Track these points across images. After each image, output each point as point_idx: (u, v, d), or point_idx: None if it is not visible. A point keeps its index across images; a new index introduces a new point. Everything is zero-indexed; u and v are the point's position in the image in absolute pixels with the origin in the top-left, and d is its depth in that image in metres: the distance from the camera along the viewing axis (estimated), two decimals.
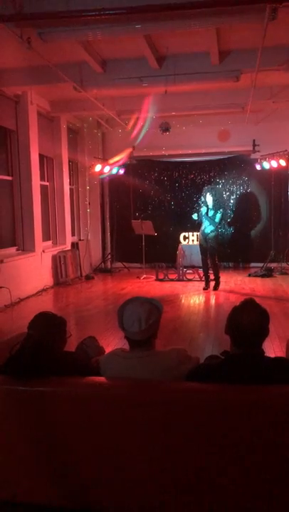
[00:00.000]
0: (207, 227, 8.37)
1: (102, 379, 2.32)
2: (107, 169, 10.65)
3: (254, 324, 2.24)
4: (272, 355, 2.45)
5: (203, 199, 8.81)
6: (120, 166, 10.96)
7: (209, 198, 8.39)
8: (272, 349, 4.73)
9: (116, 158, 10.81)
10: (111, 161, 10.80)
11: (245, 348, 2.25)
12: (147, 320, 2.28)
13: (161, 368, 2.30)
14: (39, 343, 2.29)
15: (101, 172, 10.63)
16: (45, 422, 2.30)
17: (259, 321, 2.25)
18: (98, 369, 2.44)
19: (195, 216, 8.58)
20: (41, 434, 2.33)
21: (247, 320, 2.24)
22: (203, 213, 8.37)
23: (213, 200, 8.41)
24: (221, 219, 8.77)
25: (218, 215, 8.45)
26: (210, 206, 8.35)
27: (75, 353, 2.77)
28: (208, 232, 8.36)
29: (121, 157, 10.79)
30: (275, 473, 2.11)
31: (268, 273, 10.07)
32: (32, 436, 2.34)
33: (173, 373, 2.29)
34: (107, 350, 3.33)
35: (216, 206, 8.43)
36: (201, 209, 8.59)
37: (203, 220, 8.40)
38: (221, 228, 9.11)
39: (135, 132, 10.51)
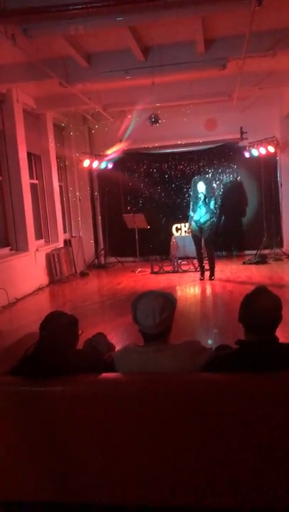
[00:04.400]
0: (202, 217, 8.35)
1: (118, 375, 2.31)
2: (95, 164, 10.63)
3: (268, 311, 2.23)
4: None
5: (193, 189, 8.79)
6: (112, 160, 10.92)
7: (202, 187, 8.38)
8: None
9: (110, 151, 10.77)
10: (109, 151, 10.74)
11: (260, 335, 2.25)
12: (161, 313, 2.26)
13: (176, 360, 2.29)
14: (53, 343, 2.27)
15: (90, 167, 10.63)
16: (62, 421, 2.28)
17: (272, 307, 2.25)
18: (112, 365, 2.43)
19: (192, 213, 8.55)
20: (57, 433, 2.31)
21: (261, 307, 2.23)
22: (201, 201, 8.34)
23: (206, 189, 8.41)
24: (214, 206, 8.82)
25: (212, 203, 8.50)
26: (205, 193, 8.34)
27: (87, 350, 2.75)
28: (204, 221, 8.35)
29: (114, 150, 10.76)
30: None
31: (262, 260, 10.12)
32: (48, 436, 2.32)
33: (189, 365, 2.28)
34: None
35: (209, 194, 8.45)
36: (194, 198, 8.53)
37: (198, 209, 8.38)
38: (213, 217, 9.15)
39: (123, 127, 10.48)
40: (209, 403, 2.14)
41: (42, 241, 9.98)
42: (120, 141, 10.99)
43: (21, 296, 8.05)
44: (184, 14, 5.63)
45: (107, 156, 10.91)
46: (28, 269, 8.61)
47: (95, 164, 10.69)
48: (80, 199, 11.64)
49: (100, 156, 10.90)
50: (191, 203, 8.64)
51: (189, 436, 2.17)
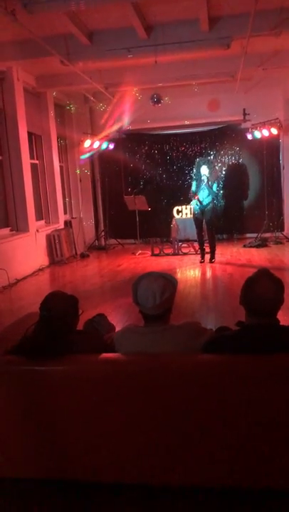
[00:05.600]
0: (205, 199, 8.32)
1: (118, 355, 2.32)
2: (96, 144, 10.53)
3: (269, 293, 2.23)
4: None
5: (195, 171, 8.73)
6: (108, 141, 10.80)
7: (206, 169, 8.32)
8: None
9: (103, 134, 10.67)
10: (100, 136, 10.65)
11: (261, 317, 2.25)
12: (162, 295, 2.26)
13: (176, 341, 2.29)
14: (53, 323, 2.27)
15: (91, 149, 10.50)
16: (61, 401, 2.30)
17: (274, 290, 2.24)
18: (112, 346, 2.43)
19: (194, 186, 8.50)
20: (57, 413, 2.33)
21: (262, 289, 2.22)
22: (204, 184, 8.28)
23: (209, 172, 8.35)
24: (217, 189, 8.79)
25: (215, 185, 8.47)
26: (208, 176, 8.29)
27: (88, 331, 2.75)
28: (206, 204, 8.32)
29: (108, 132, 10.67)
30: None
31: (262, 243, 10.10)
32: (48, 415, 2.34)
33: (189, 346, 2.29)
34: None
35: (212, 177, 8.40)
36: (198, 180, 8.47)
37: (200, 191, 8.33)
38: (215, 200, 9.12)
39: (120, 109, 10.37)
40: (209, 384, 2.15)
41: (42, 222, 9.95)
42: (115, 122, 10.86)
43: (21, 276, 8.06)
44: None
45: (103, 136, 10.78)
46: (29, 250, 8.60)
47: (96, 145, 10.58)
48: (80, 180, 11.56)
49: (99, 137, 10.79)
50: (194, 183, 8.57)
51: (189, 416, 2.19)
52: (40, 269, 8.84)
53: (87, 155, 10.76)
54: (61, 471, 2.39)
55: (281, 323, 2.28)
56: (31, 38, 6.39)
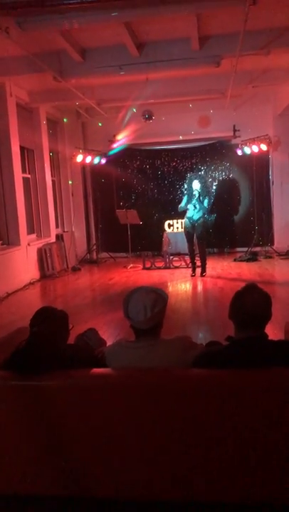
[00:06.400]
0: (196, 214, 8.40)
1: (109, 370, 2.33)
2: (88, 159, 10.63)
3: (258, 307, 2.26)
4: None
5: (186, 186, 8.82)
6: (101, 156, 10.91)
7: (197, 185, 8.42)
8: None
9: (121, 135, 10.80)
10: (119, 137, 10.77)
11: (250, 331, 2.28)
12: (152, 308, 2.29)
13: (167, 356, 2.31)
14: (44, 338, 2.28)
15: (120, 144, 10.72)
16: (53, 416, 2.30)
17: (262, 305, 2.28)
18: (103, 360, 2.44)
19: (182, 207, 8.58)
20: (49, 428, 2.33)
21: (251, 304, 2.26)
22: (195, 199, 8.36)
23: (201, 187, 8.45)
24: (208, 204, 8.87)
25: (206, 200, 8.55)
26: (199, 191, 8.38)
27: (78, 345, 2.76)
28: (197, 218, 8.40)
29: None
30: (284, 454, 2.15)
31: (252, 257, 10.18)
32: (40, 431, 2.34)
33: (179, 361, 2.31)
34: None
35: (204, 192, 8.50)
36: (189, 195, 8.56)
37: (191, 206, 8.41)
38: (206, 214, 9.20)
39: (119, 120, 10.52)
40: (199, 398, 2.17)
41: (34, 235, 9.96)
42: (114, 136, 10.98)
43: (12, 290, 8.04)
44: (179, 11, 5.63)
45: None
46: (20, 264, 8.59)
47: (88, 159, 10.67)
48: (72, 194, 11.62)
49: (93, 151, 10.88)
50: (186, 198, 8.66)
51: (180, 431, 2.20)
52: (31, 283, 8.82)
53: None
54: (58, 487, 2.37)
55: (270, 337, 2.32)
56: (25, 54, 6.48)
